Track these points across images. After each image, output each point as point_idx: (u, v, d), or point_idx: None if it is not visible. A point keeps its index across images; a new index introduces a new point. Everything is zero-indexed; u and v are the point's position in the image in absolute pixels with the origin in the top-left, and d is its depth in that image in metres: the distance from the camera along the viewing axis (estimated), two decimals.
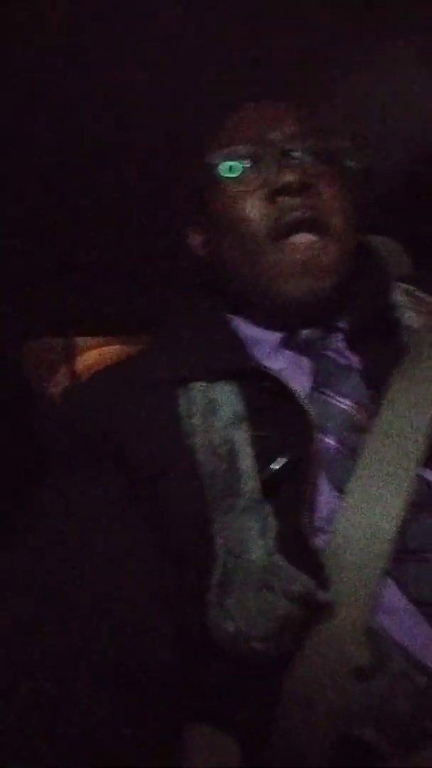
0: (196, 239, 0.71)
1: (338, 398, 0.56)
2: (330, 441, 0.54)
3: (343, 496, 0.51)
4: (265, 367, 0.57)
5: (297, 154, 0.60)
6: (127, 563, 0.49)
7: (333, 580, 0.47)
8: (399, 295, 0.65)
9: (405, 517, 0.49)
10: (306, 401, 0.55)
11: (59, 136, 1.16)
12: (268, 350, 0.63)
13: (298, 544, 0.48)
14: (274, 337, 0.64)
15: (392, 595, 0.47)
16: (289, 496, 0.51)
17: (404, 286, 0.67)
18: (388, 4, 0.95)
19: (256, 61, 0.99)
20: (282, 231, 0.59)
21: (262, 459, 0.52)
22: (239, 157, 0.61)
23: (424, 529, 0.48)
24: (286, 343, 0.63)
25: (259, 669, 0.47)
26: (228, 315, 0.68)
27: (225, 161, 0.62)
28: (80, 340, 2.51)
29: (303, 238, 0.59)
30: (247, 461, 0.52)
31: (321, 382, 0.58)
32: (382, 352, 0.60)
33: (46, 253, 1.50)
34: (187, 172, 0.69)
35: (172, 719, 0.46)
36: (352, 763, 0.43)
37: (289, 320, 0.63)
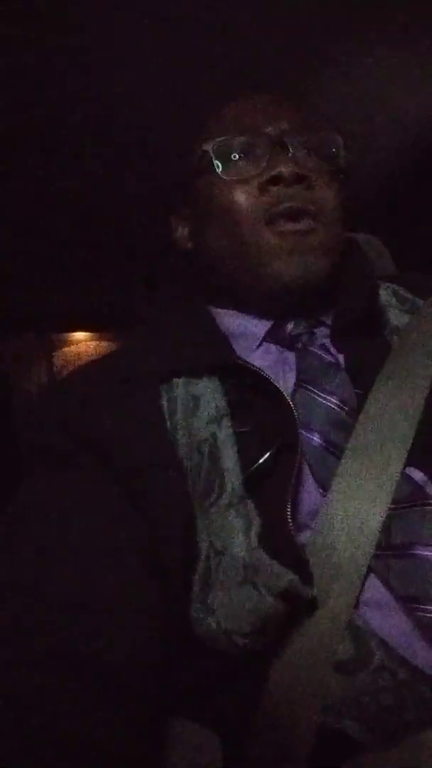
0: (182, 231, 0.71)
1: (323, 395, 0.56)
2: (314, 438, 0.54)
3: (327, 492, 0.51)
4: (248, 362, 0.57)
5: (291, 147, 0.61)
6: (110, 560, 0.49)
7: (316, 576, 0.47)
8: (384, 293, 0.66)
9: (389, 513, 0.49)
10: (290, 397, 0.55)
11: (48, 129, 1.14)
12: (252, 345, 0.63)
13: (282, 539, 0.48)
14: (259, 330, 0.64)
15: (375, 590, 0.47)
16: (272, 492, 0.51)
17: (389, 285, 0.67)
18: (387, 4, 0.96)
19: (255, 58, 1.00)
20: (273, 220, 0.59)
21: (245, 455, 0.52)
22: (233, 147, 0.62)
23: (407, 525, 0.49)
24: (271, 337, 0.63)
25: (241, 664, 0.47)
26: (211, 309, 0.67)
27: (219, 151, 0.62)
28: (59, 336, 2.49)
29: (295, 224, 0.60)
30: (229, 457, 0.52)
31: (306, 378, 0.58)
32: (366, 350, 0.60)
33: (25, 250, 1.49)
34: (179, 161, 0.69)
35: (154, 715, 0.46)
36: (334, 757, 0.43)
37: (277, 306, 0.63)
